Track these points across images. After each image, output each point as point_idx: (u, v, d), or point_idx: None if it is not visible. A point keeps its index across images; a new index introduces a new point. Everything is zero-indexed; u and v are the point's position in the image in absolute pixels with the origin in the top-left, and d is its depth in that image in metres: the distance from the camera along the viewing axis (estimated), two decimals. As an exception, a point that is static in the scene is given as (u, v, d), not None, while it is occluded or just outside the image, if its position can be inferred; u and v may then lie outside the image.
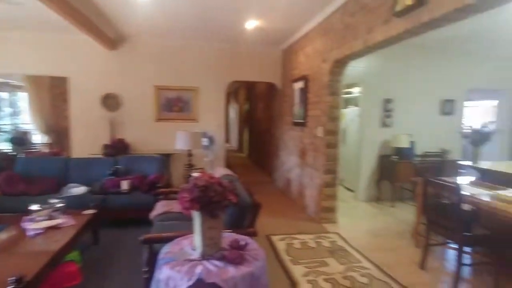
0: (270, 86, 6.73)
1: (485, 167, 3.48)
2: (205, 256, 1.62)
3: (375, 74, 5.22)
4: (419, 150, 5.21)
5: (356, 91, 6.02)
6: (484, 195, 2.70)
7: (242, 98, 12.28)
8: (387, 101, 5.26)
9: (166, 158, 5.12)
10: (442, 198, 2.66)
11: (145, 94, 5.60)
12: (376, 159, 5.35)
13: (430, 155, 4.86)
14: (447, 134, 5.56)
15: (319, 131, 4.12)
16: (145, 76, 5.58)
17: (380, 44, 2.90)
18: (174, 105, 5.75)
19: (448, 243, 3.02)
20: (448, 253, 3.22)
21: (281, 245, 3.35)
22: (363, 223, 4.21)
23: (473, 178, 3.48)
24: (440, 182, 2.66)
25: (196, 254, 1.65)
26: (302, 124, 4.80)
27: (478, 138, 3.47)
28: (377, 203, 5.20)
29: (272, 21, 4.39)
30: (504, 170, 3.25)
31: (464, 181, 3.38)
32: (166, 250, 1.74)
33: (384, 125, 5.29)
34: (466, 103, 5.72)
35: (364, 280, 2.65)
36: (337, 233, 3.73)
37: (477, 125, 3.61)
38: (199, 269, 1.48)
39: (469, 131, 3.63)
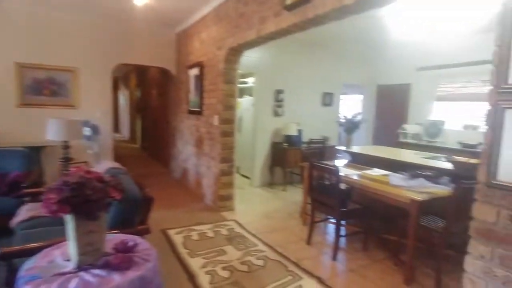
0: (164, 72, 6.32)
1: (355, 151, 4.09)
2: (82, 266, 1.37)
3: (269, 65, 5.48)
4: (305, 137, 5.78)
5: (251, 81, 6.21)
6: (355, 175, 3.16)
7: (133, 83, 11.23)
8: (279, 91, 5.61)
9: (35, 152, 4.23)
10: (324, 180, 2.99)
11: (0, 72, 4.47)
12: (269, 147, 5.68)
13: (314, 142, 5.45)
14: (327, 123, 6.33)
15: (215, 120, 4.09)
16: (1, 50, 4.44)
17: (272, 35, 3.01)
18: (44, 88, 4.78)
19: (329, 218, 3.44)
20: (329, 227, 3.68)
21: (178, 239, 3.21)
22: (258, 207, 4.42)
23: (346, 161, 4.05)
24: (322, 165, 2.98)
25: (70, 266, 1.39)
26: (198, 113, 4.68)
27: (350, 127, 4.05)
28: (271, 188, 5.56)
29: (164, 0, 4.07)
30: (369, 153, 3.87)
31: (340, 164, 3.90)
32: (29, 266, 1.40)
33: (276, 114, 5.65)
34: (342, 96, 6.61)
35: (260, 262, 2.78)
36: (235, 220, 3.81)
37: (349, 115, 4.19)
38: (73, 284, 1.24)
39: (343, 120, 4.20)
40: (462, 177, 2.83)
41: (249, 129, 5.92)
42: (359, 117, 4.05)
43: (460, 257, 1.57)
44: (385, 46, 6.29)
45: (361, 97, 7.36)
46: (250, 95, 6.08)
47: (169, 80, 6.16)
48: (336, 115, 6.53)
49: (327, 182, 2.98)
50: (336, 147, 4.34)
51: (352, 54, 6.54)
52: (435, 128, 5.63)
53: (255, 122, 5.54)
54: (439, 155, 4.04)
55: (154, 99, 8.19)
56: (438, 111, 5.83)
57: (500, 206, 1.34)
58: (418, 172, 2.97)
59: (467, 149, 4.89)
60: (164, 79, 6.63)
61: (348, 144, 4.18)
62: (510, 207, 1.31)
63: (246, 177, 6.07)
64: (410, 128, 5.78)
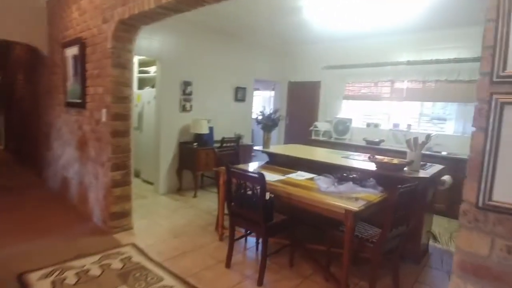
0: (33, 51, 4.83)
1: (274, 152, 3.71)
2: None
3: (175, 52, 4.68)
4: (217, 135, 5.20)
5: (153, 70, 5.29)
6: (278, 180, 2.74)
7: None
8: (187, 83, 4.87)
9: None
10: (245, 189, 2.47)
11: None
12: (176, 147, 4.89)
13: (228, 141, 4.92)
14: (241, 120, 5.89)
15: (103, 115, 3.13)
16: None
17: (177, 5, 2.30)
18: None
19: (251, 232, 2.95)
20: (250, 241, 3.19)
21: (42, 287, 2.22)
22: (164, 222, 3.64)
23: (263, 162, 3.63)
24: (245, 173, 2.45)
25: None
26: (79, 105, 3.59)
27: (269, 124, 3.65)
28: (179, 194, 4.80)
29: None
30: (289, 154, 3.53)
31: (257, 166, 3.46)
32: None
33: (184, 109, 4.90)
34: (255, 92, 6.26)
35: (167, 306, 2.08)
36: (133, 244, 2.97)
37: (267, 112, 3.79)
38: None
39: (261, 117, 3.77)
40: (386, 178, 2.73)
41: (151, 126, 5.01)
42: (278, 114, 3.68)
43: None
44: (296, 42, 6.19)
45: (272, 93, 7.18)
46: (153, 86, 5.16)
47: (40, 62, 4.72)
48: (250, 111, 6.16)
49: (249, 192, 2.47)
50: (254, 147, 3.91)
51: (264, 48, 6.25)
52: (343, 126, 5.79)
53: (159, 118, 4.68)
54: (353, 153, 4.00)
55: (20, 86, 6.36)
56: (346, 109, 6.02)
57: (495, 234, 1.01)
58: (345, 174, 2.72)
59: (371, 146, 5.12)
60: (34, 60, 5.10)
61: (266, 144, 3.78)
62: (508, 235, 0.99)
63: (149, 183, 5.14)
64: (321, 125, 5.81)
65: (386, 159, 2.81)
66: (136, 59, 4.98)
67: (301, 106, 6.60)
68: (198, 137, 4.83)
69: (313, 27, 4.99)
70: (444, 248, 3.27)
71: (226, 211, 2.83)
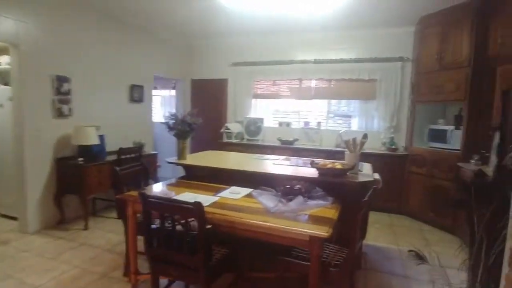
0: None
1: (193, 163, 3.04)
2: None
3: (42, 37, 3.41)
4: (111, 146, 4.14)
5: (4, 60, 3.82)
6: (211, 204, 2.12)
7: None
8: (61, 79, 3.66)
9: None
10: (173, 223, 1.78)
11: None
12: (51, 165, 3.63)
13: (127, 151, 3.95)
14: (139, 125, 4.91)
15: None
16: None
17: None
18: None
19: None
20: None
21: None
22: (39, 280, 2.52)
23: (173, 180, 2.92)
24: (174, 204, 1.75)
25: None
26: None
27: (185, 130, 2.96)
28: (62, 229, 3.57)
29: None
30: (214, 165, 2.93)
31: (173, 182, 2.75)
32: None
33: (60, 114, 3.67)
34: (154, 91, 5.34)
35: None
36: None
37: (180, 114, 3.08)
38: None
39: (172, 121, 3.04)
40: (329, 185, 2.44)
41: (7, 138, 3.60)
42: (195, 117, 3.01)
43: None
44: (200, 36, 5.56)
45: (173, 92, 6.35)
46: (6, 83, 3.72)
47: None
48: (150, 113, 5.23)
49: (179, 227, 1.79)
50: (167, 160, 3.12)
51: (164, 41, 5.39)
52: (255, 126, 5.49)
53: (20, 127, 3.35)
54: (279, 157, 3.69)
55: None
56: (256, 109, 5.73)
57: None
58: (288, 186, 2.31)
59: (287, 146, 4.97)
60: None
61: (182, 154, 3.07)
62: None
63: (12, 217, 3.70)
64: (233, 127, 5.36)
65: (328, 163, 2.54)
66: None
67: (208, 106, 6.00)
68: (85, 150, 3.70)
69: (218, 20, 4.49)
70: (371, 244, 3.28)
71: (140, 248, 2.05)
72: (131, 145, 4.38)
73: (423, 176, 4.09)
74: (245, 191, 2.42)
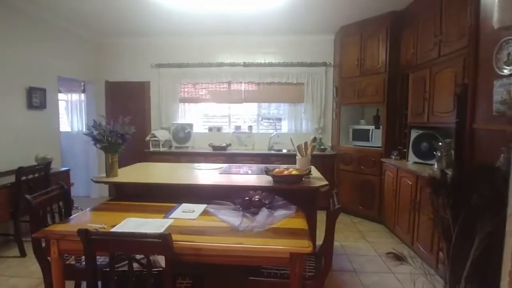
0: None
1: (127, 181, 2.59)
2: None
3: None
4: (4, 164, 3.28)
5: None
6: (167, 229, 1.80)
7: None
8: None
9: None
10: (129, 263, 1.42)
11: None
12: None
13: (28, 171, 3.16)
14: (43, 136, 4.04)
15: None
16: None
17: None
18: None
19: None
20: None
21: None
22: None
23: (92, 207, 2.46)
24: (136, 239, 1.38)
25: None
26: None
27: (117, 142, 2.48)
28: None
29: None
30: (153, 181, 2.54)
31: (104, 206, 2.29)
32: None
33: None
34: (59, 95, 4.47)
35: None
36: None
37: (101, 123, 2.57)
38: None
39: (96, 131, 2.52)
40: (284, 192, 2.34)
41: None
42: (127, 126, 2.55)
43: None
44: (113, 33, 4.91)
45: (82, 96, 5.45)
46: None
47: None
48: (56, 122, 4.36)
49: (133, 265, 1.44)
50: (95, 179, 2.55)
51: (71, 37, 4.57)
52: (184, 132, 5.12)
53: None
54: (218, 165, 3.47)
55: None
56: (184, 114, 5.34)
57: None
58: (247, 198, 2.14)
59: (219, 151, 4.78)
60: None
61: (111, 171, 2.57)
62: None
63: None
64: (160, 134, 4.88)
65: (284, 170, 2.45)
66: None
67: (127, 112, 5.27)
68: (-34, 174, 2.81)
69: (137, 16, 4.03)
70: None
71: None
72: (33, 162, 3.55)
73: (351, 173, 4.42)
74: (199, 208, 2.15)
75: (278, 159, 4.62)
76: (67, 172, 3.87)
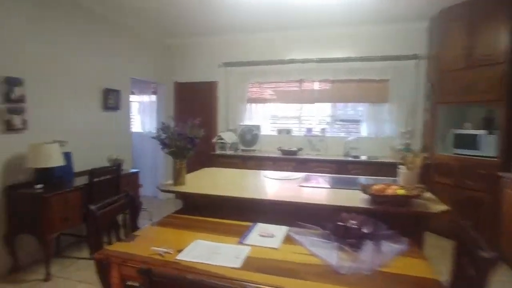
0: None
1: (197, 192, 2.30)
2: None
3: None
4: (80, 166, 3.31)
5: None
6: (239, 257, 1.42)
7: None
8: (12, 81, 2.78)
9: None
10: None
11: None
12: (-1, 196, 2.74)
13: (100, 173, 3.12)
14: (116, 137, 4.07)
15: None
16: None
17: None
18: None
19: None
20: None
21: None
22: None
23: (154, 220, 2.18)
24: None
25: None
26: None
27: (186, 147, 2.22)
28: (14, 281, 2.67)
29: None
30: (224, 194, 2.21)
31: (167, 220, 2.01)
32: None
33: (10, 127, 2.79)
34: (133, 97, 4.53)
35: None
36: None
37: (170, 125, 2.34)
38: None
39: (166, 135, 2.29)
40: (385, 216, 1.80)
41: None
42: (196, 129, 2.29)
43: None
44: (183, 34, 4.84)
45: (153, 98, 5.52)
46: None
47: None
48: (128, 123, 4.40)
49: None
50: (163, 188, 2.33)
51: (142, 40, 4.61)
52: (251, 135, 4.82)
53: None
54: (295, 174, 3.04)
55: None
56: (251, 115, 5.04)
57: None
58: (342, 224, 1.66)
59: (289, 156, 4.34)
60: None
61: (179, 178, 2.32)
62: None
63: None
64: (227, 136, 4.64)
65: (385, 187, 1.90)
66: None
67: (195, 113, 5.18)
68: (44, 174, 2.84)
69: (206, 15, 3.83)
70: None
71: None
72: (105, 163, 3.55)
73: (449, 187, 3.61)
74: (279, 231, 1.74)
75: (356, 167, 4.02)
76: (136, 174, 3.82)
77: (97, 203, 1.74)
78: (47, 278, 2.67)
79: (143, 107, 5.61)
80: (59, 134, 3.19)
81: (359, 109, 4.67)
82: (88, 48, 3.61)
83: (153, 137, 2.30)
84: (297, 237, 1.65)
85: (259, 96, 4.96)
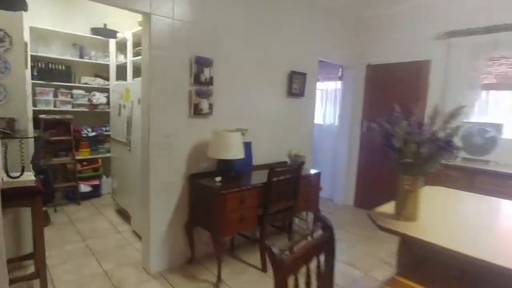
0: None
1: (430, 240, 1.26)
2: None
3: (191, 13, 2.40)
4: (257, 158, 2.88)
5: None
6: None
7: None
8: (202, 62, 2.56)
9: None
10: None
11: None
12: (182, 183, 2.59)
13: (280, 173, 2.54)
14: (296, 128, 3.50)
15: None
16: None
17: None
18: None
19: None
20: None
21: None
22: None
23: None
24: None
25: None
26: None
27: (434, 153, 1.23)
28: (191, 275, 2.49)
29: None
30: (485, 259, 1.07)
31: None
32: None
33: (197, 111, 2.59)
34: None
35: None
36: None
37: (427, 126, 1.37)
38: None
39: (401, 132, 1.35)
40: None
41: (138, 141, 2.80)
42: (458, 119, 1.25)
43: None
44: (380, 1, 3.71)
45: (338, 85, 4.71)
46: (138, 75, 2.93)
47: None
48: (312, 114, 3.76)
49: None
50: (381, 221, 1.47)
51: (330, 14, 3.81)
52: (483, 137, 3.20)
53: (147, 128, 2.41)
54: None
55: None
56: (486, 107, 3.39)
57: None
58: None
59: None
60: None
61: (404, 207, 1.36)
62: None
63: (138, 236, 2.91)
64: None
65: None
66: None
67: (392, 103, 4.03)
68: (224, 166, 2.52)
69: None
70: None
71: None
72: (284, 158, 3.01)
73: None
74: None
75: None
76: (317, 176, 3.11)
77: (281, 246, 1.02)
78: (218, 284, 2.32)
79: (326, 95, 4.89)
80: (241, 121, 2.86)
81: None
82: (275, 30, 3.11)
83: (383, 141, 1.38)
84: None
85: (503, 81, 3.23)
